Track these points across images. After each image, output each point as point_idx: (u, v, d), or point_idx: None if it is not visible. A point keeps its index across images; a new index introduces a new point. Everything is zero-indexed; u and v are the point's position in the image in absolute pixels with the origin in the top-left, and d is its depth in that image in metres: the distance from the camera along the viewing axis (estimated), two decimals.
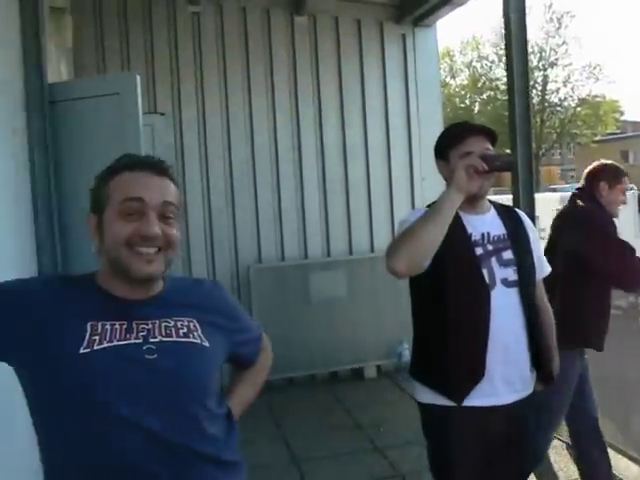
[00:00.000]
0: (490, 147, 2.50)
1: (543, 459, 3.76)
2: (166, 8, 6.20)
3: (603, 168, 3.70)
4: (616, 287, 3.60)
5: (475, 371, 2.40)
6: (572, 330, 3.40)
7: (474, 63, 41.74)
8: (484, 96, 41.30)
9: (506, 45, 4.50)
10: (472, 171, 2.33)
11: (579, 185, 3.77)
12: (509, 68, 4.40)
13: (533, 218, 4.52)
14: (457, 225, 2.37)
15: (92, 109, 3.88)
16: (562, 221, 3.70)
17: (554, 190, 27.14)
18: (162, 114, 5.97)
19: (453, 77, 43.51)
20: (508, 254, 2.49)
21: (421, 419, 2.61)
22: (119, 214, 1.54)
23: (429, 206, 2.55)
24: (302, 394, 6.16)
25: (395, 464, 4.55)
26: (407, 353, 6.04)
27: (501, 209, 2.65)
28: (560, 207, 10.02)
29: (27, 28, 3.82)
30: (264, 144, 6.46)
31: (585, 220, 3.57)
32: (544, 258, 2.78)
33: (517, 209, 2.84)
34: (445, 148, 2.56)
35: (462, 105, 42.66)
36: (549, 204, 10.04)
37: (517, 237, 2.56)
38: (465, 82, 42.79)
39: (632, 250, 3.43)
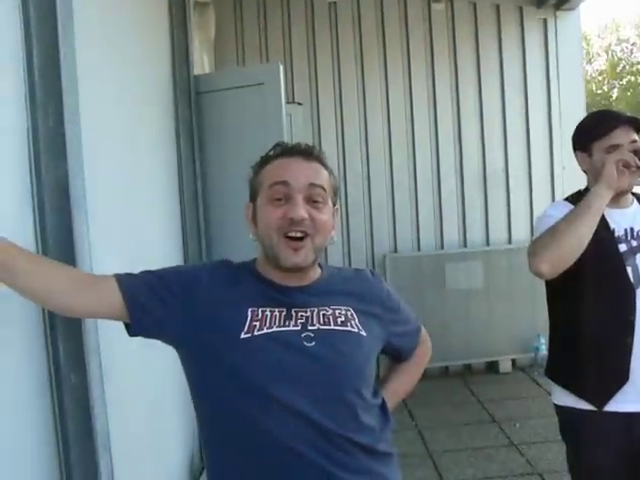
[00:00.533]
0: (637, 138, 2.35)
1: None
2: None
3: None
4: None
5: (618, 374, 2.28)
6: None
7: (613, 47, 39.99)
8: (623, 81, 39.51)
9: None
10: (622, 166, 2.24)
11: None
12: None
13: None
14: (599, 221, 2.25)
15: (236, 99, 3.98)
16: None
17: None
18: (300, 104, 6.05)
19: (589, 62, 41.85)
20: None
21: (559, 422, 2.51)
22: (268, 199, 1.57)
23: (567, 199, 2.46)
24: (436, 386, 6.07)
25: (532, 461, 4.44)
26: (544, 348, 5.87)
27: None
28: None
29: (175, 22, 3.96)
30: (400, 132, 6.43)
31: None
32: None
33: None
34: (587, 140, 2.42)
35: (599, 92, 40.96)
36: None
37: None
38: (603, 67, 41.09)
39: None
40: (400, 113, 6.43)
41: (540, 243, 2.24)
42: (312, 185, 1.56)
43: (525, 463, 4.44)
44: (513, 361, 6.49)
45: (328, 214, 1.60)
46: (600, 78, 41.38)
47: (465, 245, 6.53)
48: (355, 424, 1.54)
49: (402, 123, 6.43)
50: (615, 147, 2.31)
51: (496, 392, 5.90)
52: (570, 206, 2.32)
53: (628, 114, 2.47)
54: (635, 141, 2.35)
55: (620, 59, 39.53)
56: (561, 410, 2.47)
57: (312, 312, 1.57)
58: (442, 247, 6.51)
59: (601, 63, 41.37)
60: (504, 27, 6.58)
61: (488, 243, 6.52)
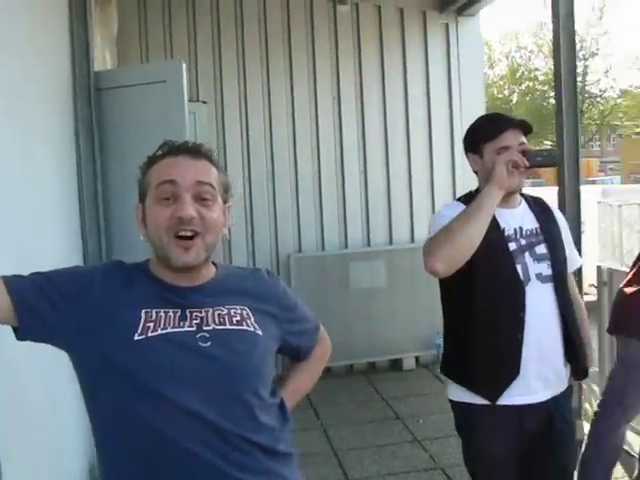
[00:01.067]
0: (525, 141, 2.44)
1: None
2: None
3: None
4: None
5: (510, 369, 2.36)
6: None
7: (513, 53, 41.34)
8: (522, 87, 40.89)
9: (554, 40, 4.43)
10: (511, 167, 2.30)
11: None
12: (555, 57, 4.34)
13: (579, 211, 4.47)
14: (490, 221, 2.32)
15: (138, 97, 3.91)
16: None
17: (593, 182, 26.83)
18: (204, 102, 5.99)
19: (491, 67, 43.12)
20: (542, 248, 2.44)
21: (454, 417, 2.57)
22: (156, 199, 1.54)
23: (460, 199, 2.52)
24: (340, 384, 6.14)
25: (435, 456, 4.52)
26: None
27: (532, 202, 2.58)
28: (603, 199, 9.90)
29: (75, 18, 3.86)
30: (305, 132, 6.46)
31: None
32: (575, 251, 2.74)
33: (545, 200, 2.73)
34: (479, 142, 2.48)
35: (500, 95, 42.28)
36: (591, 197, 9.93)
37: (550, 231, 2.51)
38: (503, 72, 42.41)
39: None
40: (305, 113, 6.45)
41: (434, 243, 2.28)
42: (200, 183, 1.54)
43: (428, 458, 4.52)
44: (416, 358, 6.58)
45: (218, 212, 1.58)
46: (501, 83, 42.72)
47: (369, 244, 6.61)
48: (253, 424, 1.53)
49: (307, 123, 6.46)
50: (505, 149, 2.37)
51: (400, 389, 5.99)
52: (463, 206, 2.38)
53: (517, 118, 2.56)
54: (524, 143, 2.43)
55: (519, 65, 40.89)
56: (456, 406, 2.52)
57: (207, 312, 1.55)
58: (346, 247, 6.56)
59: (502, 68, 42.70)
60: (407, 30, 6.71)
61: (391, 242, 6.62)
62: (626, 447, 4.40)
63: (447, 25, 6.82)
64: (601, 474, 3.54)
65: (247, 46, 6.30)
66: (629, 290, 3.60)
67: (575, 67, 4.37)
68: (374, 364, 6.65)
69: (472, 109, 6.38)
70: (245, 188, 6.24)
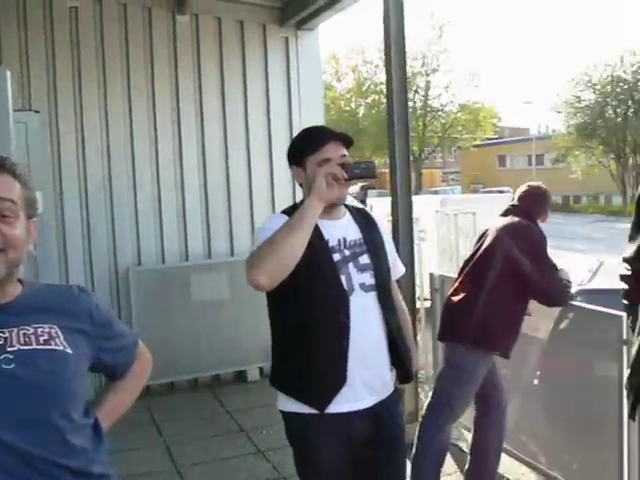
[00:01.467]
0: (346, 153, 2.49)
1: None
2: (42, 1, 5.93)
3: (548, 195, 3.92)
4: (542, 302, 3.76)
5: (336, 378, 2.40)
6: (491, 334, 3.63)
7: (359, 67, 42.50)
8: (369, 100, 42.10)
9: (385, 49, 4.60)
10: (331, 179, 2.33)
11: (514, 202, 3.90)
12: (387, 72, 4.51)
13: (411, 219, 4.66)
14: (314, 232, 2.34)
15: None
16: (504, 232, 3.75)
17: (436, 192, 28.09)
18: (37, 112, 5.74)
19: (338, 80, 44.14)
20: (365, 258, 2.50)
21: (285, 428, 2.58)
22: None
23: (284, 212, 2.54)
24: (185, 399, 6.09)
25: (278, 466, 4.55)
26: None
27: (356, 213, 2.64)
28: (441, 208, 10.37)
29: None
30: (144, 143, 6.32)
31: (527, 235, 3.72)
32: (398, 259, 2.83)
33: (370, 211, 2.84)
34: (302, 155, 2.51)
35: (347, 108, 43.33)
36: (430, 206, 10.35)
37: (373, 241, 2.57)
38: (350, 86, 43.49)
39: (556, 268, 3.70)
40: (143, 122, 6.32)
41: (257, 256, 2.28)
42: (1, 199, 1.49)
43: (271, 469, 4.56)
44: (260, 369, 6.57)
45: (20, 228, 1.53)
46: (348, 96, 43.76)
47: (210, 256, 6.58)
48: (64, 447, 1.48)
49: (145, 134, 6.33)
50: (326, 161, 2.41)
51: (244, 401, 5.97)
52: (287, 218, 2.39)
53: (338, 131, 2.60)
54: (345, 155, 2.47)
55: (366, 79, 42.07)
56: (286, 416, 2.53)
57: (11, 332, 1.49)
58: (187, 259, 6.50)
59: (349, 82, 43.77)
60: (248, 44, 6.74)
61: (232, 254, 6.60)
62: (458, 443, 4.64)
63: (287, 39, 6.92)
64: (431, 471, 3.70)
65: (83, 55, 6.05)
66: (455, 298, 3.79)
67: (406, 81, 4.56)
68: (219, 376, 6.61)
69: (311, 122, 6.48)
70: (82, 200, 6.04)
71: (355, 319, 2.40)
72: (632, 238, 2.53)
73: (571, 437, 4.03)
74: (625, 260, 2.56)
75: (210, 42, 6.58)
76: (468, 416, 4.07)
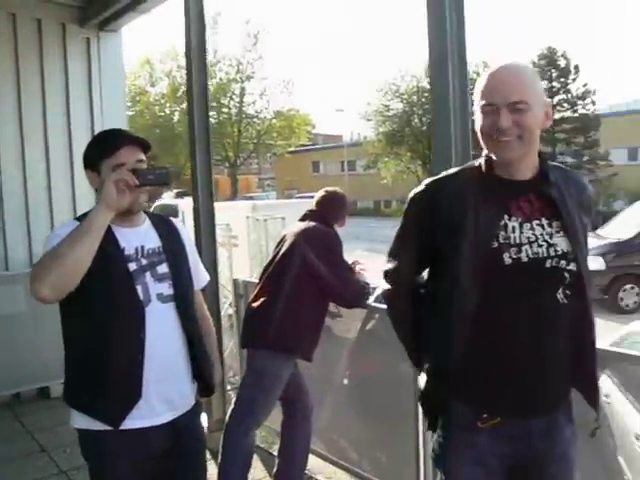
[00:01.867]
0: (143, 157, 2.40)
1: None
2: None
3: (345, 200, 3.98)
4: (340, 305, 3.88)
5: (131, 392, 2.31)
6: (291, 338, 3.65)
7: (174, 72, 41.92)
8: (183, 105, 41.66)
9: (187, 65, 4.53)
10: (123, 186, 2.21)
11: (312, 207, 3.94)
12: (189, 77, 4.44)
13: (213, 225, 4.62)
14: (109, 239, 2.26)
15: None
16: (300, 237, 3.78)
17: (250, 198, 28.35)
18: None
19: (153, 85, 43.36)
20: (163, 268, 2.43)
21: (80, 445, 2.44)
22: None
23: (78, 218, 2.42)
24: None
25: None
26: None
27: (156, 220, 2.57)
28: (252, 214, 10.44)
29: None
30: None
31: (323, 240, 3.77)
32: (202, 267, 2.79)
33: (172, 219, 2.75)
34: (96, 158, 2.39)
35: (162, 113, 42.67)
36: (242, 212, 10.37)
37: (172, 249, 2.50)
38: (165, 91, 42.85)
39: (351, 269, 3.78)
40: None
41: (40, 266, 2.14)
42: None
43: None
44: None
45: None
46: (162, 101, 43.11)
47: (7, 268, 6.22)
48: None
49: None
50: (120, 166, 2.29)
51: (47, 419, 5.65)
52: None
53: (135, 134, 2.51)
54: (142, 160, 2.38)
55: (180, 84, 41.64)
56: (81, 433, 2.41)
57: None
58: None
59: (163, 87, 43.15)
60: (46, 42, 6.42)
61: (32, 263, 6.22)
62: (265, 446, 4.66)
63: (88, 40, 6.67)
64: (238, 477, 3.69)
65: None
66: (255, 304, 3.80)
67: (206, 87, 4.51)
68: (19, 394, 6.25)
69: (114, 125, 6.30)
70: None
71: (151, 331, 2.32)
72: (395, 255, 2.38)
73: (376, 433, 4.15)
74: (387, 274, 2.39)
75: (5, 39, 6.19)
76: (277, 420, 4.09)
